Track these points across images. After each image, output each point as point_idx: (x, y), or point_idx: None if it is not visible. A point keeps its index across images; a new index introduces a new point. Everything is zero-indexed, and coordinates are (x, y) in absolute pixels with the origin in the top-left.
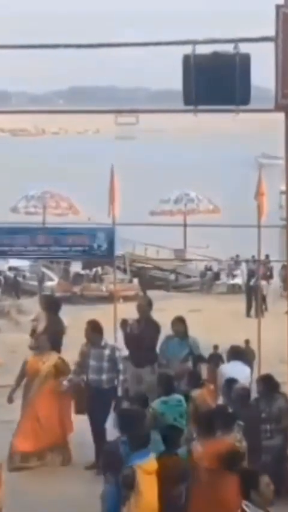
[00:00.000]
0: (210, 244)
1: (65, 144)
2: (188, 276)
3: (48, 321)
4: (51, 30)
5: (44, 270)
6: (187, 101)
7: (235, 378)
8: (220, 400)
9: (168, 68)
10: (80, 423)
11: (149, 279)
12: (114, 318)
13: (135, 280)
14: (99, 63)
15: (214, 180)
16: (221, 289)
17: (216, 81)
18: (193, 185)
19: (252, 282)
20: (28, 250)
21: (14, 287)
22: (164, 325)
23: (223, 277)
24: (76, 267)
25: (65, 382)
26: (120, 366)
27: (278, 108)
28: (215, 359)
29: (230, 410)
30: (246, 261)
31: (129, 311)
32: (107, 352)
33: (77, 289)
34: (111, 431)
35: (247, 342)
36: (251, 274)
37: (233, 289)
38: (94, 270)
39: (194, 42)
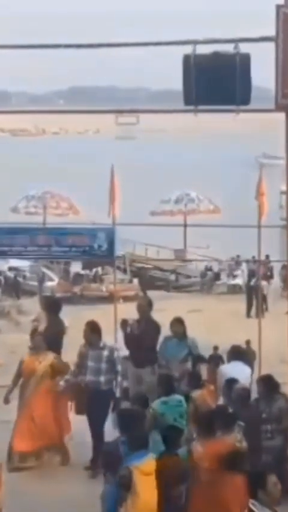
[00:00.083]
0: (210, 245)
1: (65, 144)
2: (189, 276)
3: (48, 321)
4: (51, 31)
5: (44, 270)
6: (187, 100)
7: (235, 378)
8: (220, 401)
9: (169, 68)
10: (79, 423)
11: (149, 279)
12: (114, 318)
13: (136, 281)
14: (99, 63)
15: (214, 180)
16: (221, 289)
17: (216, 81)
18: (193, 185)
19: (252, 282)
20: (28, 250)
21: (14, 287)
22: (164, 326)
23: (223, 277)
24: (76, 267)
25: (61, 382)
26: (119, 367)
27: (278, 108)
28: (215, 359)
29: (230, 410)
30: (247, 261)
31: (129, 311)
32: (105, 353)
33: (77, 289)
34: (111, 432)
35: (248, 342)
36: (251, 274)
37: (234, 289)
38: (94, 270)
39: (194, 42)
